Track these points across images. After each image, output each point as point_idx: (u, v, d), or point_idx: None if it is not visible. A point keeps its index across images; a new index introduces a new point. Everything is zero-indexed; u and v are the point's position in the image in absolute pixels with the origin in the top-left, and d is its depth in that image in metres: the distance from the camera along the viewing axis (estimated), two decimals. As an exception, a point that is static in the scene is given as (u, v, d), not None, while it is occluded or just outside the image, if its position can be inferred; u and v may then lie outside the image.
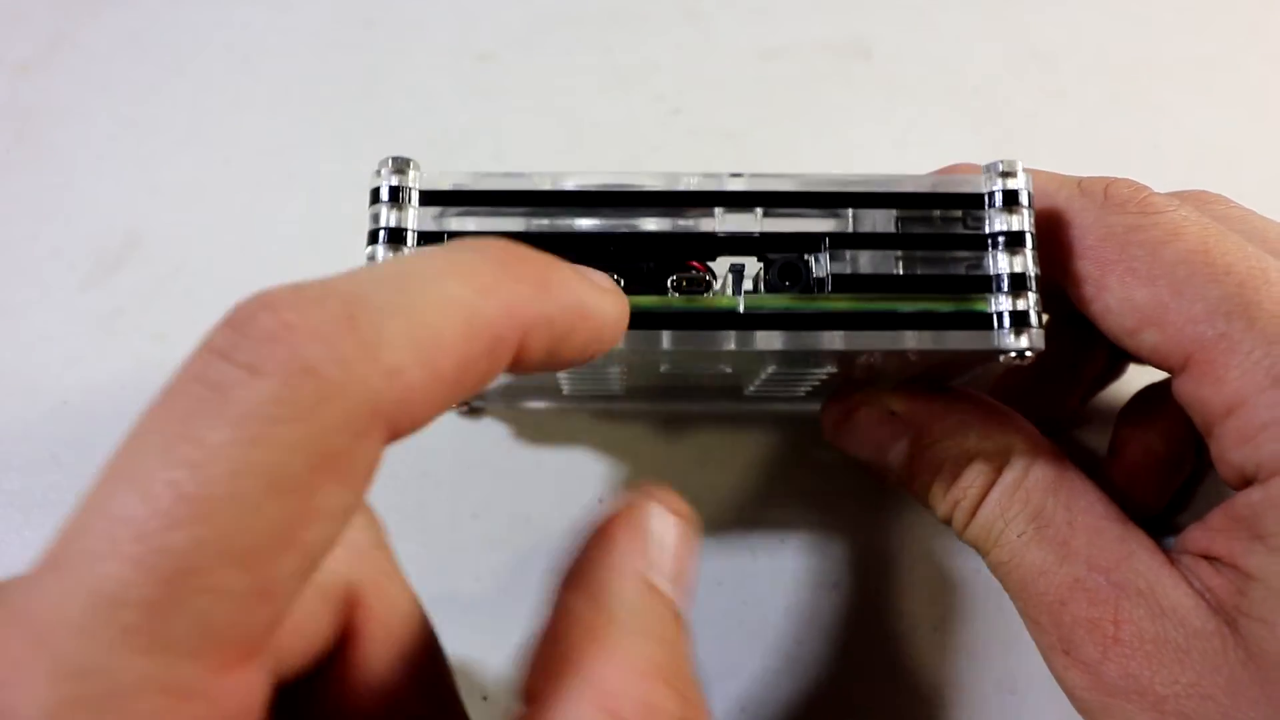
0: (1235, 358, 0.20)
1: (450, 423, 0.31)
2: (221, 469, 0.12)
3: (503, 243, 0.16)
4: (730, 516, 0.29)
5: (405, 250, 0.20)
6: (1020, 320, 0.20)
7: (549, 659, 0.16)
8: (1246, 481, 0.21)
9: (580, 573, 0.17)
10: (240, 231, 0.34)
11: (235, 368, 0.12)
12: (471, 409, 0.31)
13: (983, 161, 0.22)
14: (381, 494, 0.30)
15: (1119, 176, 0.22)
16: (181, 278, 0.33)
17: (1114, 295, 0.21)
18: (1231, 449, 0.20)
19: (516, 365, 0.16)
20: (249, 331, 0.13)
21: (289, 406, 0.12)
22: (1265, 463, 0.20)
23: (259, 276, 0.35)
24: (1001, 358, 0.20)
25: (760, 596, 0.28)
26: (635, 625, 0.16)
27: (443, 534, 0.29)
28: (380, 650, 0.17)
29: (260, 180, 0.35)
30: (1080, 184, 0.23)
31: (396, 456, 0.30)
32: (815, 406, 0.28)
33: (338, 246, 0.32)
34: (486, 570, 0.29)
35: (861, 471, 0.28)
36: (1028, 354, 0.20)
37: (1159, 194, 0.22)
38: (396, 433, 0.14)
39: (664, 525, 0.18)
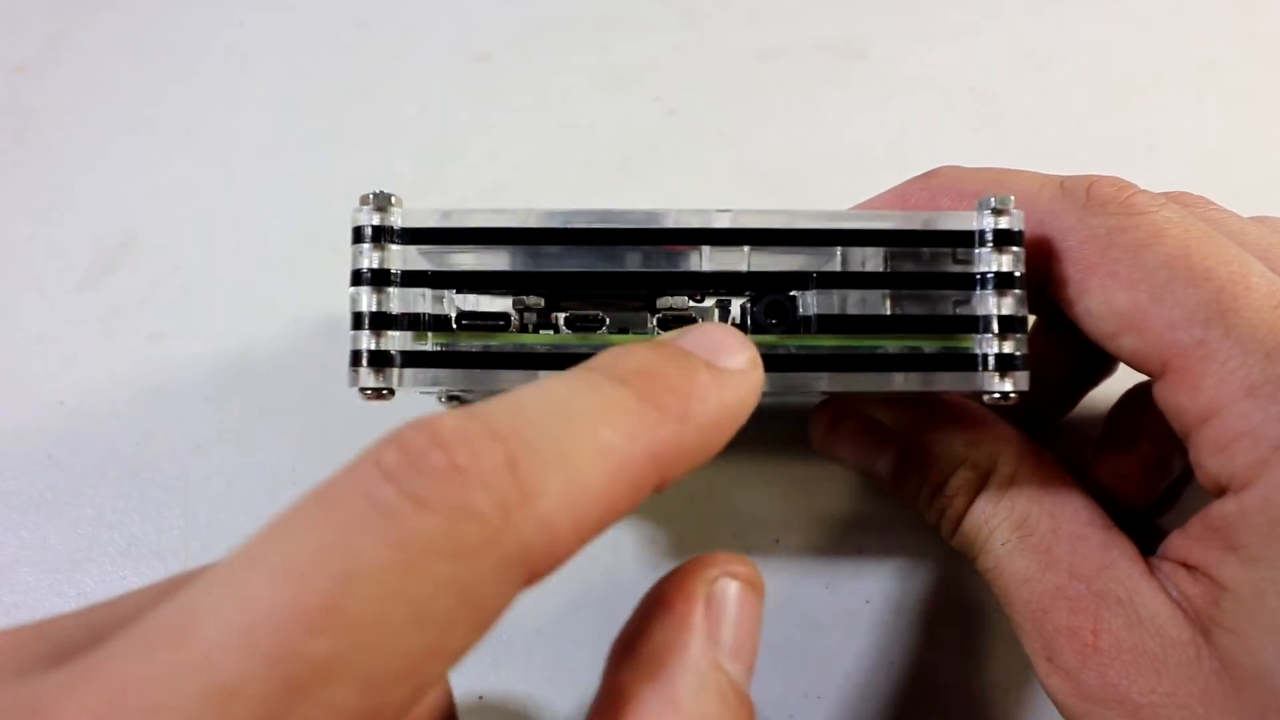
0: (1211, 365, 0.20)
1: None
2: (374, 590, 0.12)
3: (645, 364, 0.16)
4: (721, 517, 0.30)
5: (391, 291, 0.20)
6: (1006, 363, 0.20)
7: None
8: (1222, 490, 0.21)
9: (640, 650, 0.16)
10: (237, 232, 0.34)
11: (402, 496, 0.13)
12: (461, 402, 0.31)
13: (978, 163, 0.22)
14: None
15: (1104, 175, 0.22)
16: (178, 278, 0.33)
17: (1095, 299, 0.21)
18: (1207, 458, 0.20)
19: (657, 493, 0.15)
20: (420, 465, 0.13)
21: (450, 543, 0.12)
22: (1238, 473, 0.20)
23: (255, 277, 0.35)
24: (986, 398, 0.20)
25: (755, 596, 0.29)
26: (701, 714, 0.15)
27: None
28: None
29: (257, 181, 0.35)
30: (1063, 184, 0.22)
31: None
32: (805, 404, 0.28)
33: (334, 247, 0.32)
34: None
35: (856, 474, 0.28)
36: (1011, 396, 0.20)
37: (1143, 193, 0.22)
38: (534, 579, 0.14)
39: (730, 596, 0.17)
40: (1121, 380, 0.28)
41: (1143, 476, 0.27)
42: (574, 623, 0.28)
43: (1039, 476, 0.24)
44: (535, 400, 0.14)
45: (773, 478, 0.30)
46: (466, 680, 0.28)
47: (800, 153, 0.36)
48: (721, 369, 0.17)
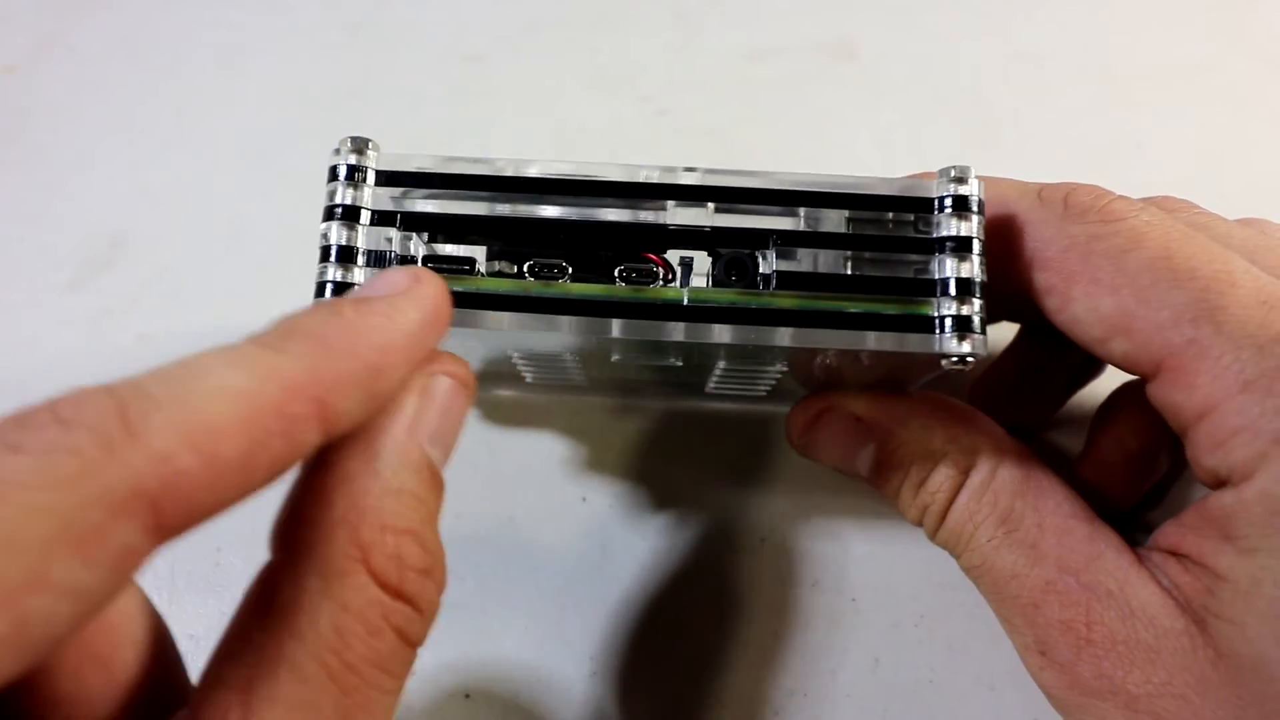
0: (1205, 363, 0.20)
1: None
2: None
3: (282, 323, 0.17)
4: (710, 515, 0.30)
5: (360, 228, 0.21)
6: (963, 325, 0.20)
7: (312, 507, 0.17)
8: (1221, 484, 0.21)
9: (357, 432, 0.17)
10: (227, 233, 0.34)
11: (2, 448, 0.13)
12: None
13: (967, 164, 0.22)
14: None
15: (1080, 183, 0.23)
16: (168, 279, 0.34)
17: (1080, 306, 0.22)
18: (1205, 454, 0.21)
19: (334, 427, 0.16)
20: (25, 423, 0.13)
21: (42, 477, 0.13)
22: (1237, 467, 0.20)
23: (245, 277, 0.35)
24: (944, 362, 0.20)
25: (740, 594, 0.29)
26: (398, 485, 0.17)
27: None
28: (73, 675, 0.17)
29: (247, 182, 0.36)
30: (1040, 193, 0.23)
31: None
32: (786, 408, 0.28)
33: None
34: (470, 570, 0.29)
35: (832, 470, 0.28)
36: (969, 359, 0.20)
37: (1120, 199, 0.22)
38: (173, 519, 0.14)
39: (440, 389, 0.18)
40: (1107, 381, 0.29)
41: (1128, 473, 0.27)
42: (560, 622, 0.29)
43: (1020, 471, 0.24)
44: (165, 366, 0.15)
45: (759, 477, 0.30)
46: (453, 679, 0.28)
47: (790, 153, 0.37)
48: (370, 300, 0.18)
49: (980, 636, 0.25)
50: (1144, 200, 0.24)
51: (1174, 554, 0.22)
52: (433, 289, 0.18)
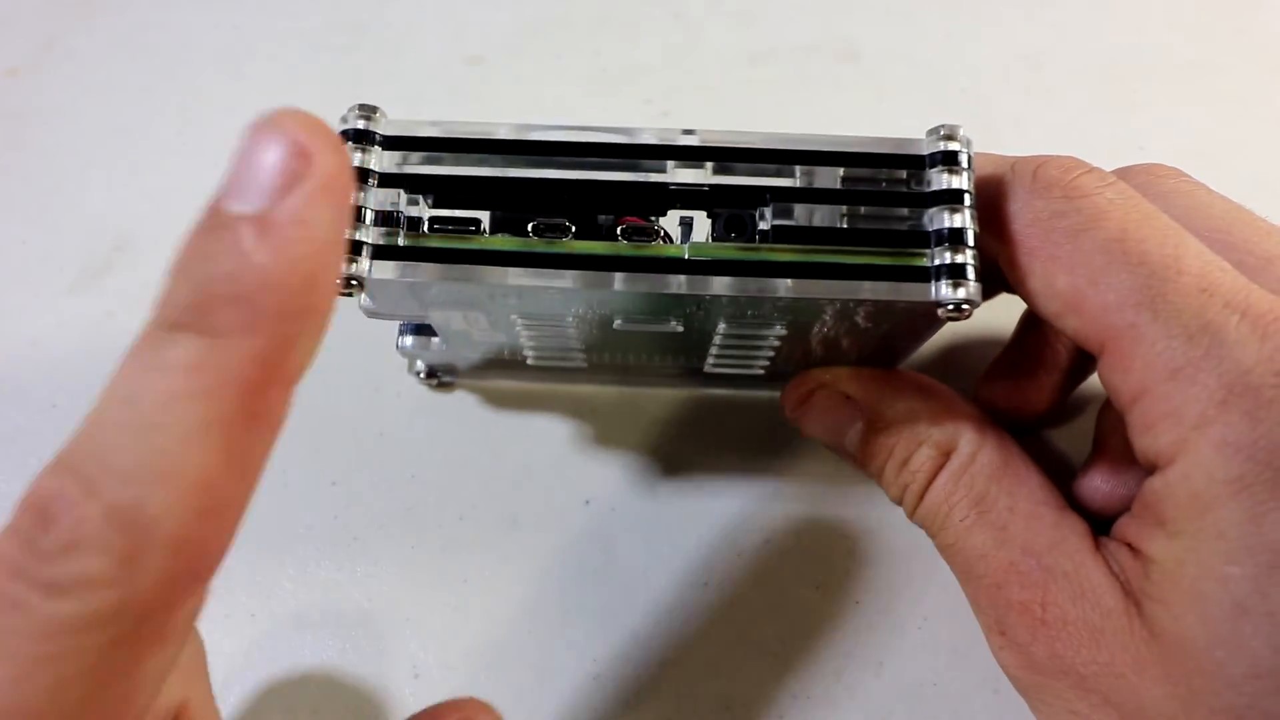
0: (1140, 348, 0.21)
1: (436, 427, 0.31)
2: (42, 683, 0.13)
3: (191, 282, 0.14)
4: (714, 517, 0.30)
5: (368, 189, 0.21)
6: (957, 273, 0.21)
7: None
8: (1154, 468, 0.22)
9: None
10: (229, 235, 0.34)
11: (31, 589, 0.13)
12: (441, 383, 0.31)
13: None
14: (371, 498, 0.31)
15: (1055, 155, 0.23)
16: (170, 281, 0.34)
17: (1038, 281, 0.22)
18: (1137, 437, 0.21)
19: (298, 375, 0.15)
20: (35, 552, 0.13)
21: (89, 619, 0.13)
22: (1163, 451, 0.21)
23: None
24: (940, 311, 0.21)
25: (745, 597, 0.29)
26: None
27: (431, 536, 0.30)
28: None
29: (249, 184, 0.35)
30: (1014, 165, 0.23)
31: (385, 459, 0.30)
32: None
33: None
34: (474, 572, 0.29)
35: (845, 473, 0.28)
36: (964, 307, 0.21)
37: (1089, 175, 0.22)
38: (208, 571, 0.14)
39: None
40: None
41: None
42: (564, 625, 0.28)
43: (999, 456, 0.25)
44: (111, 413, 0.14)
45: (763, 479, 0.30)
46: (459, 680, 0.28)
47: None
48: (269, 221, 0.14)
49: (983, 640, 0.25)
50: (1129, 168, 0.24)
51: (1125, 543, 0.23)
52: (328, 162, 0.15)
